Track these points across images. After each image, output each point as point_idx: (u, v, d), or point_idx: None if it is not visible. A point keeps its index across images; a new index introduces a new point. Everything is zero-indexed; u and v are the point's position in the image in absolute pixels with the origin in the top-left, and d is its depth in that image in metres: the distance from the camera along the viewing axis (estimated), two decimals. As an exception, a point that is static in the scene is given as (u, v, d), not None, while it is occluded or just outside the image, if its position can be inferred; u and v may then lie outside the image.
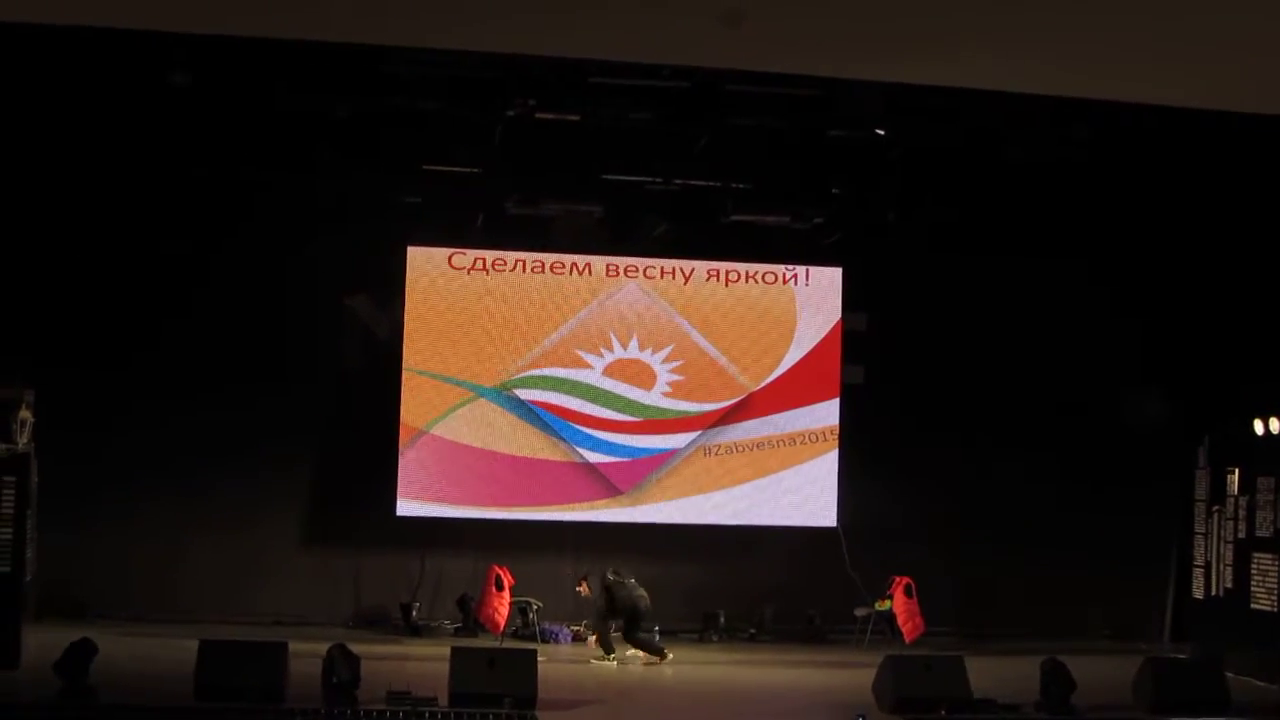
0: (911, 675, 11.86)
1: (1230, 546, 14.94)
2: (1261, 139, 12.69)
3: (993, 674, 12.57)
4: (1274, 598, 14.15)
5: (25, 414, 13.42)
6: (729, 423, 16.44)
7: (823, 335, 16.60)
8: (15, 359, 13.78)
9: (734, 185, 15.36)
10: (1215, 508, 15.27)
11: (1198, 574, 15.56)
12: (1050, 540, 16.26)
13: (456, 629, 15.80)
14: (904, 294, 16.53)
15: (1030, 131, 14.06)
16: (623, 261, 16.37)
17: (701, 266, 16.46)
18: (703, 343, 16.45)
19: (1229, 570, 14.93)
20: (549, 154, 14.54)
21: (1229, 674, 12.39)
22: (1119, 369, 16.55)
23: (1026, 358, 16.52)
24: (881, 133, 14.61)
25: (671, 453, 16.35)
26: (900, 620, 15.60)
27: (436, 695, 11.18)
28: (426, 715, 10.84)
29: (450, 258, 16.10)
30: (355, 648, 11.63)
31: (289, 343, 15.67)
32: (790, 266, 16.55)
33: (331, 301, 16.01)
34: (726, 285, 16.52)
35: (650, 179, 15.41)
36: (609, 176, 15.19)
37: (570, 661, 14.44)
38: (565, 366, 16.25)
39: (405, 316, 15.96)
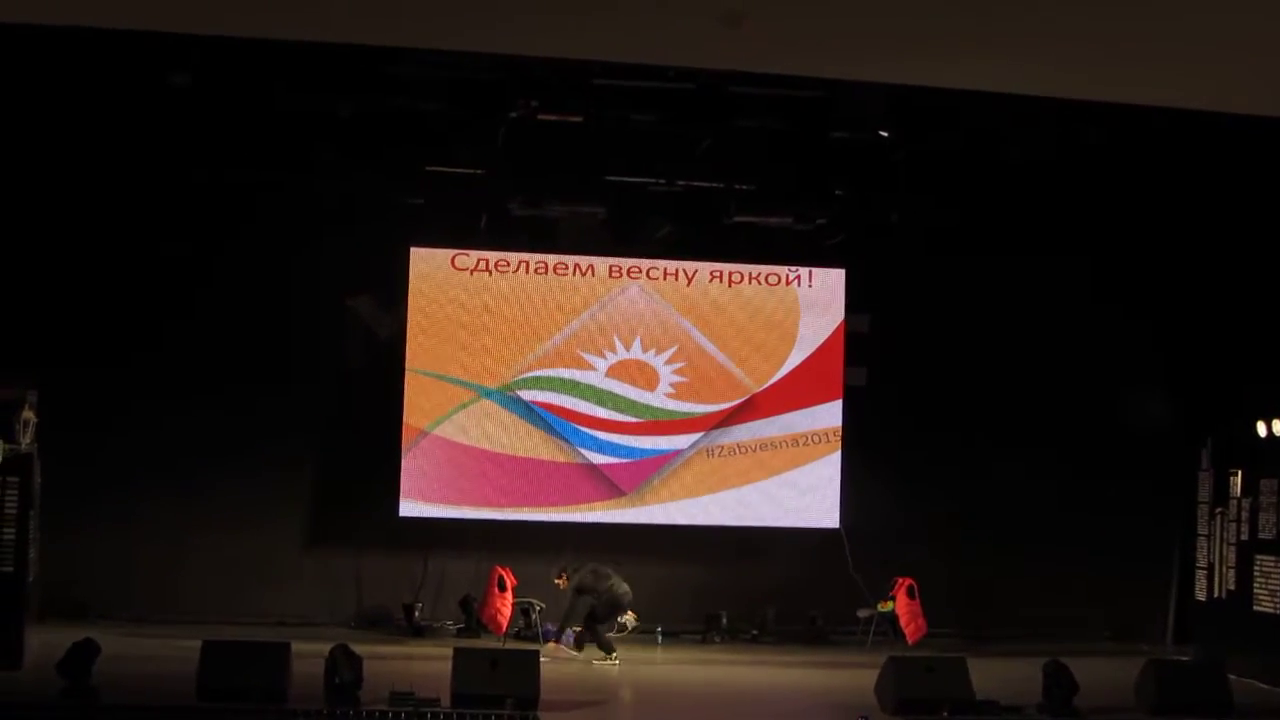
0: (914, 676, 11.85)
1: (1233, 548, 14.92)
2: (1266, 140, 12.67)
3: (995, 675, 12.56)
4: (1277, 600, 14.13)
5: (28, 414, 13.44)
6: (732, 424, 16.43)
7: (825, 337, 16.60)
8: (19, 359, 13.78)
9: (737, 186, 15.36)
10: (1218, 510, 15.25)
11: (1200, 576, 15.54)
12: (1053, 542, 16.26)
13: (459, 630, 15.80)
14: (907, 295, 16.53)
15: (1033, 133, 14.06)
16: (626, 263, 16.37)
17: (704, 268, 16.46)
18: (705, 344, 16.45)
19: (1232, 572, 14.91)
20: (552, 155, 14.54)
21: (1231, 676, 12.38)
22: (1122, 371, 16.53)
23: (1030, 359, 16.51)
24: (884, 134, 14.62)
25: (674, 454, 16.35)
26: (903, 621, 15.58)
27: (439, 696, 11.18)
28: (429, 716, 10.85)
29: (453, 259, 16.11)
30: (358, 648, 11.62)
31: (292, 343, 15.69)
32: (793, 268, 16.55)
33: (334, 302, 16.02)
34: (729, 286, 16.52)
35: (653, 180, 15.41)
36: (612, 178, 15.19)
37: (572, 662, 14.42)
38: (568, 367, 16.26)
39: (408, 317, 15.96)
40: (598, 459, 16.22)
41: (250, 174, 14.58)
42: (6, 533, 12.89)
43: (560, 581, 14.91)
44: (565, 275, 16.27)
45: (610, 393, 16.29)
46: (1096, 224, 16.17)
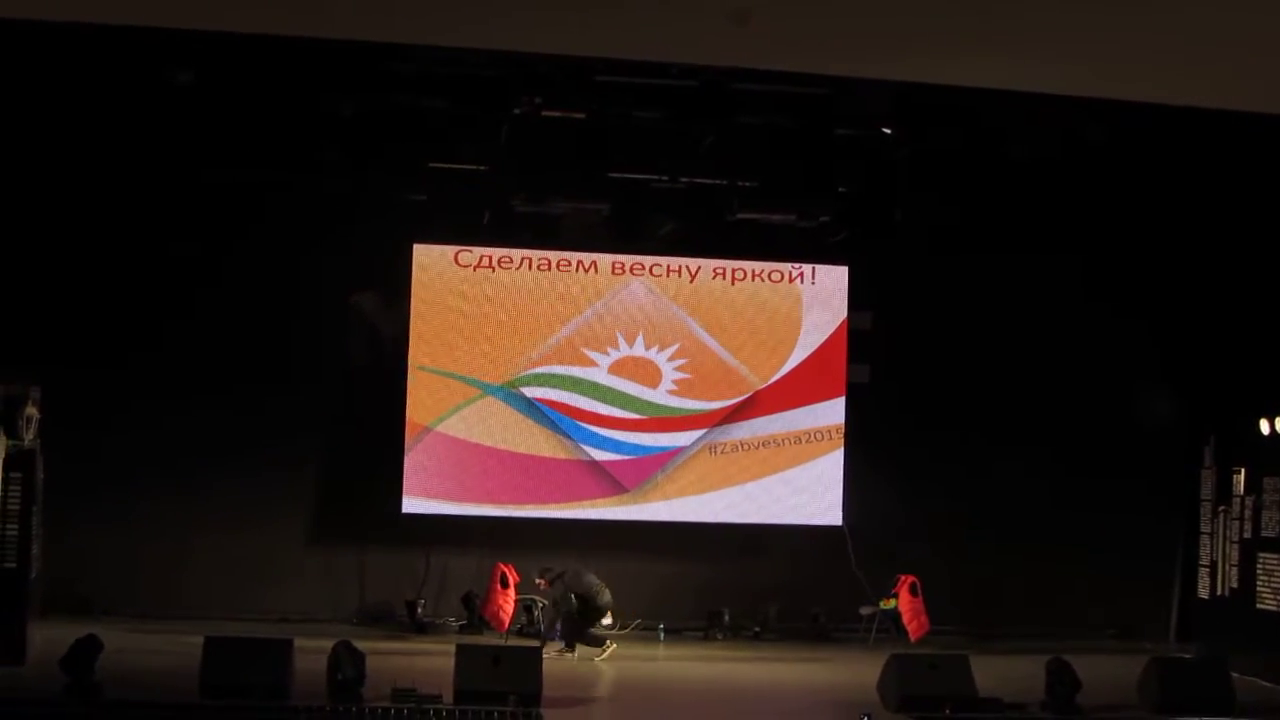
0: (916, 674, 11.86)
1: (1236, 546, 14.93)
2: (1268, 138, 12.66)
3: (998, 673, 12.56)
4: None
5: (32, 411, 13.42)
6: (735, 421, 16.43)
7: (829, 334, 16.59)
8: (23, 356, 13.79)
9: (740, 183, 15.32)
10: (1221, 507, 15.25)
11: (1203, 574, 15.55)
12: (1056, 539, 16.24)
13: (461, 626, 15.79)
14: (910, 293, 16.51)
15: (1037, 131, 14.04)
16: (629, 259, 16.37)
17: (708, 264, 16.46)
18: (709, 341, 16.45)
19: (1234, 570, 14.92)
20: (555, 152, 14.50)
21: (1234, 674, 12.38)
22: (1126, 368, 16.52)
23: (1033, 357, 16.50)
24: (888, 131, 14.60)
25: (677, 451, 16.35)
26: (905, 619, 15.58)
27: (441, 692, 11.19)
28: (431, 712, 10.86)
29: (456, 255, 16.12)
30: (360, 645, 11.65)
31: (295, 341, 15.69)
32: (796, 265, 16.55)
33: (337, 299, 16.03)
34: (733, 283, 16.52)
35: (656, 177, 15.36)
36: (615, 174, 15.14)
37: (574, 661, 14.43)
38: (571, 364, 16.26)
39: (411, 314, 15.97)
40: (600, 456, 16.22)
41: (252, 172, 14.55)
42: (10, 528, 12.90)
43: (541, 583, 14.94)
44: (568, 272, 16.27)
45: (613, 389, 16.29)
46: (1099, 222, 16.16)
